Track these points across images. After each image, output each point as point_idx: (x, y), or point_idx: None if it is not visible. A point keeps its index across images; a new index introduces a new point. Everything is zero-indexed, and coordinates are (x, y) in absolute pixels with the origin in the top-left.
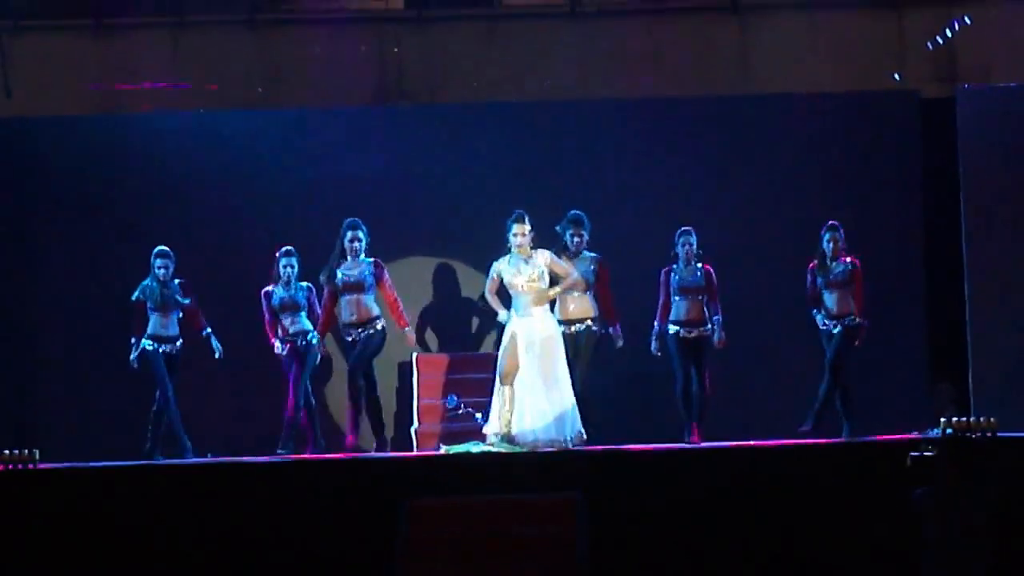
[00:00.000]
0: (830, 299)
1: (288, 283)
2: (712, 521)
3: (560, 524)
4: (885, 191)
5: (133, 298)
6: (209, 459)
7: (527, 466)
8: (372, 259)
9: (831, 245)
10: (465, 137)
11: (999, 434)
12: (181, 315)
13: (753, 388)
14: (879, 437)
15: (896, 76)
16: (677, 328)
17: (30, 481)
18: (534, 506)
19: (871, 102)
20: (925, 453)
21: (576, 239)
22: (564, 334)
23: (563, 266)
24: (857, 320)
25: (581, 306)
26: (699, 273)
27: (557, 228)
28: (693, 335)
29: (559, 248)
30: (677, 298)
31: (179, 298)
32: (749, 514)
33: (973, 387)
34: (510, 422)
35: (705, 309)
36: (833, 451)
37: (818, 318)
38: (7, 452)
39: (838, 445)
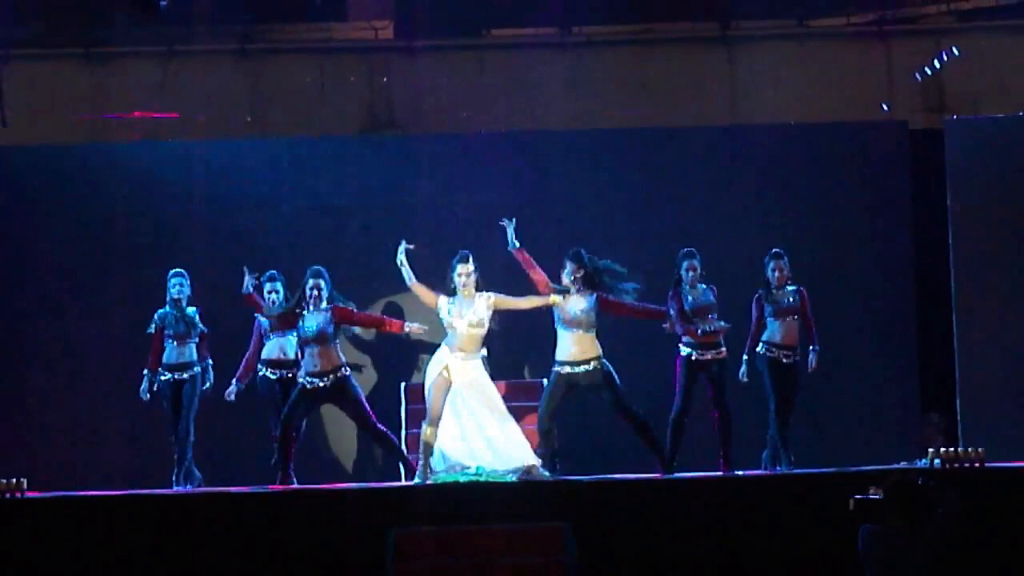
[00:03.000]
0: (777, 329)
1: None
2: (700, 552)
3: (547, 553)
4: (874, 221)
5: (150, 330)
6: (195, 490)
7: (514, 495)
8: (329, 306)
9: (776, 273)
10: (454, 168)
11: (987, 464)
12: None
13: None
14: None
15: (885, 107)
16: (689, 351)
17: (17, 510)
18: (521, 535)
19: (859, 132)
20: (870, 495)
21: (576, 275)
22: (565, 375)
23: (513, 299)
24: (815, 347)
25: (581, 347)
26: (711, 295)
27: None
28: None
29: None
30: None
31: (198, 322)
32: (739, 545)
33: (961, 417)
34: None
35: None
36: (821, 481)
37: (759, 350)
38: None
39: (827, 476)
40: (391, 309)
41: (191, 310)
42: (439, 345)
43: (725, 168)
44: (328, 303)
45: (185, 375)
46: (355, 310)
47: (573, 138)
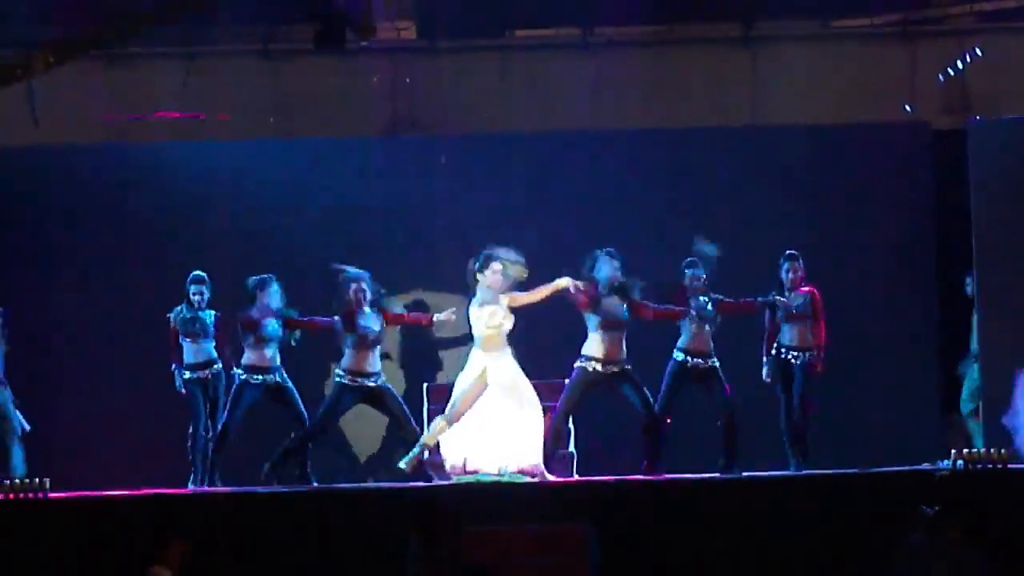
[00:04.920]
0: (790, 332)
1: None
2: (723, 553)
3: (570, 554)
4: (896, 224)
5: (171, 322)
6: (214, 488)
7: (537, 496)
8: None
9: (790, 275)
10: (478, 169)
11: (1010, 466)
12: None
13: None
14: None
15: (907, 108)
16: (684, 357)
17: (40, 510)
18: (544, 536)
19: (882, 134)
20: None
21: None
22: (592, 371)
23: (523, 294)
24: (820, 353)
25: (612, 347)
26: (712, 305)
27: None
28: (702, 366)
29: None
30: (690, 325)
31: (209, 327)
32: (761, 547)
33: (985, 418)
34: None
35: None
36: (843, 483)
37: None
38: (16, 480)
39: (849, 477)
40: (415, 308)
41: (207, 313)
42: (458, 344)
43: (746, 169)
44: (372, 305)
45: (202, 374)
46: (397, 311)
47: (595, 139)
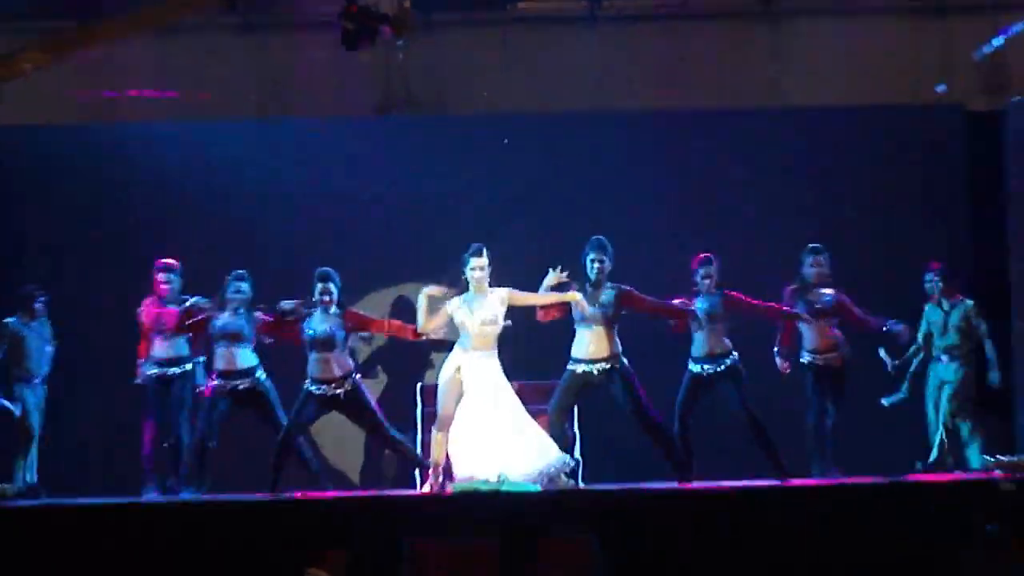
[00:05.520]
0: (810, 331)
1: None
2: (732, 565)
3: (575, 567)
4: (928, 211)
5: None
6: (199, 496)
7: (538, 505)
8: (340, 311)
9: (814, 270)
10: (476, 151)
11: None
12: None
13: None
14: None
15: (941, 88)
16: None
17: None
18: (546, 548)
19: (913, 116)
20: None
21: (596, 266)
22: (581, 373)
23: (528, 294)
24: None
25: (599, 344)
26: (717, 299)
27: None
28: (713, 370)
29: (581, 280)
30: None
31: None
32: (777, 557)
33: (1020, 422)
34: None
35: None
36: (872, 492)
37: (803, 359)
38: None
39: (878, 486)
40: (407, 304)
41: (180, 298)
42: (454, 344)
43: (766, 153)
44: (339, 307)
45: (172, 371)
46: (365, 314)
47: (603, 120)
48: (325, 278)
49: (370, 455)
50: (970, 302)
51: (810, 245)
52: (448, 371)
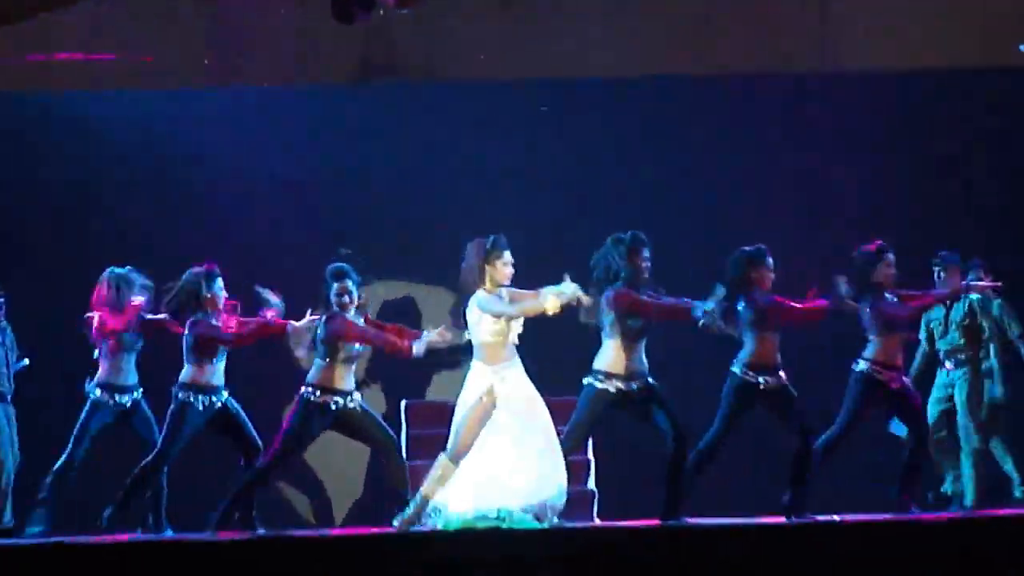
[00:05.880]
0: (881, 343)
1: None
2: None
3: None
4: (1002, 191)
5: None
6: (168, 537)
7: (542, 544)
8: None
9: (885, 270)
10: (469, 124)
11: None
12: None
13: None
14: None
15: (1022, 48)
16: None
17: None
18: None
19: (984, 81)
20: None
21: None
22: (609, 392)
23: (523, 295)
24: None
25: (629, 358)
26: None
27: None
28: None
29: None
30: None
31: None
32: None
33: None
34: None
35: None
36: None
37: (861, 368)
38: None
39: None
40: (397, 308)
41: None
42: (454, 352)
43: (808, 127)
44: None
45: (123, 399)
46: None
47: (617, 88)
48: (341, 275)
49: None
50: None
51: (877, 243)
52: (474, 394)
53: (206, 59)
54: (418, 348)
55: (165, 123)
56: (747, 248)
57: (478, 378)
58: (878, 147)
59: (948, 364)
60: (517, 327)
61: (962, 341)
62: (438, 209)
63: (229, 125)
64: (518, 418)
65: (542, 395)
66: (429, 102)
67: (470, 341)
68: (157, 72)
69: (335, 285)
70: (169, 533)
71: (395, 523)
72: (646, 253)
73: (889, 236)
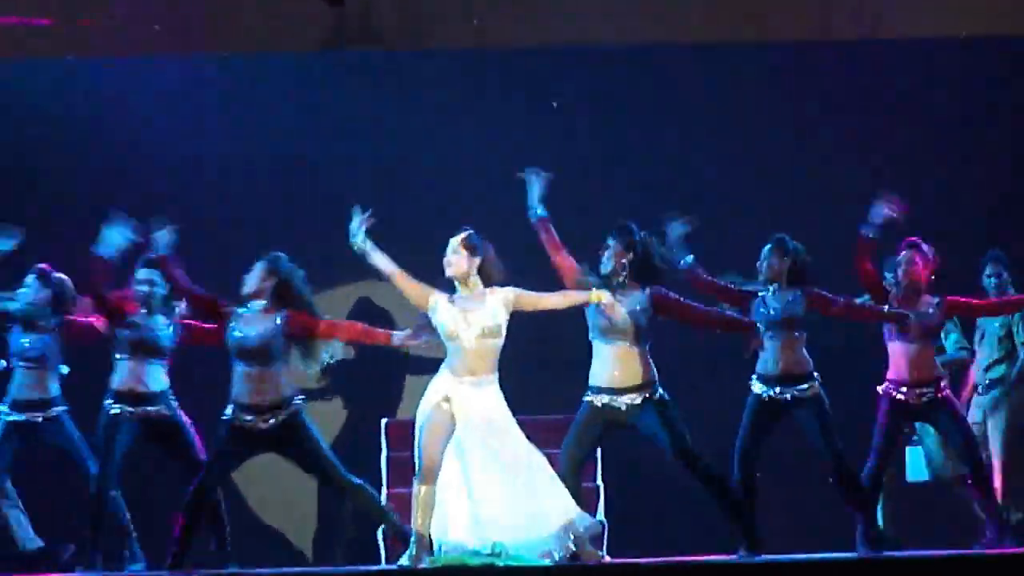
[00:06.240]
0: (905, 356)
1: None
2: None
3: None
4: None
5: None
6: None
7: None
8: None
9: (910, 268)
10: (454, 96)
11: None
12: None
13: None
14: None
15: None
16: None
17: None
18: None
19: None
20: None
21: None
22: (608, 407)
23: (539, 296)
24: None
25: (629, 368)
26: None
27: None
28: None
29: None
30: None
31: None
32: None
33: None
34: (430, 538)
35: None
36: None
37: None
38: None
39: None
40: (368, 305)
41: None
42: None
43: (837, 100)
44: (281, 305)
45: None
46: (317, 314)
47: (624, 56)
48: (274, 263)
49: (325, 516)
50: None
51: (907, 239)
52: (431, 402)
53: (157, 25)
54: (398, 339)
55: (112, 97)
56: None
57: (437, 385)
58: (912, 123)
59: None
60: (465, 331)
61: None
62: (419, 196)
63: (184, 99)
64: (485, 439)
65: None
66: (411, 74)
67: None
68: (101, 39)
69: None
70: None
71: (404, 562)
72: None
73: (936, 209)
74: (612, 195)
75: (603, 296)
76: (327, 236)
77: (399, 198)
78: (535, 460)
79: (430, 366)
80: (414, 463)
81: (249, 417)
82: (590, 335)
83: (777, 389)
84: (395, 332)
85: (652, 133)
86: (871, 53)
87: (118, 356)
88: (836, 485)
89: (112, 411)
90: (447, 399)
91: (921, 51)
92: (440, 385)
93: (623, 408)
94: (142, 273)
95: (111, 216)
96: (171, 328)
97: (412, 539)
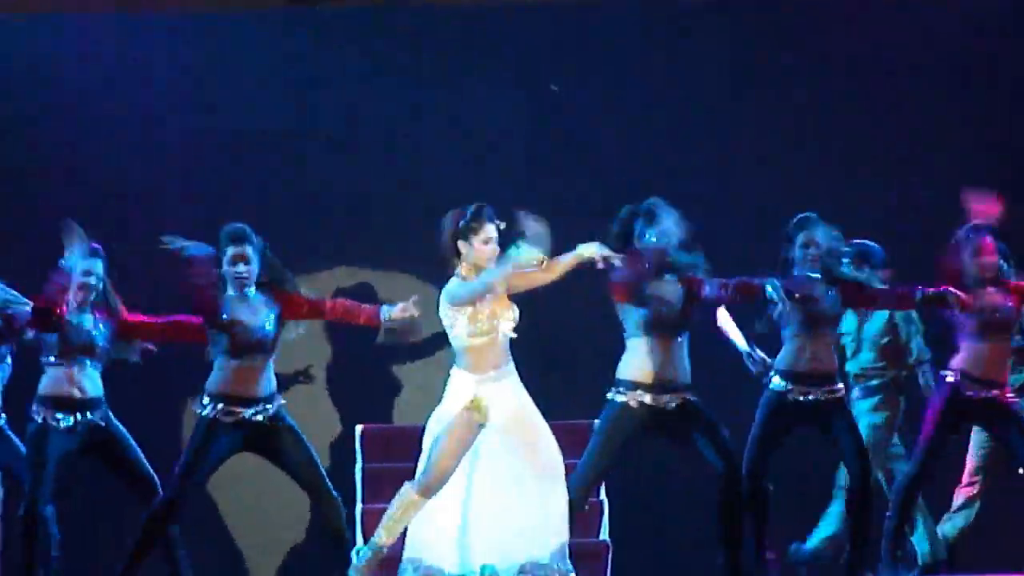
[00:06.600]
0: (977, 352)
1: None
2: None
3: None
4: None
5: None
6: None
7: None
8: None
9: (982, 260)
10: (447, 60)
11: None
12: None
13: None
14: None
15: None
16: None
17: None
18: None
19: None
20: None
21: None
22: (647, 406)
23: (528, 272)
24: None
25: (670, 362)
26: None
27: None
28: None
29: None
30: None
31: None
32: None
33: None
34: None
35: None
36: None
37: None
38: None
39: None
40: (355, 293)
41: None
42: (415, 356)
43: (865, 54)
44: (263, 285)
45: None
46: (306, 295)
47: (615, 10)
48: (239, 239)
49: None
50: None
51: (973, 222)
52: (453, 407)
53: None
54: (388, 314)
55: (42, 58)
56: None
57: (458, 392)
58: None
59: None
60: (508, 322)
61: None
62: (405, 173)
63: (126, 62)
64: (509, 446)
65: (546, 419)
66: (392, 32)
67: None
68: None
69: (230, 250)
70: None
71: (351, 574)
72: None
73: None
74: (607, 153)
75: (593, 250)
76: (295, 212)
77: (376, 170)
78: (556, 464)
79: (410, 364)
80: (414, 471)
81: (238, 410)
82: (626, 326)
83: (804, 388)
84: (384, 306)
85: (660, 95)
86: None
87: (50, 359)
88: (856, 502)
89: (41, 420)
90: (477, 404)
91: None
92: (463, 388)
93: (664, 408)
94: (83, 264)
95: (68, 228)
96: (105, 326)
97: (369, 546)
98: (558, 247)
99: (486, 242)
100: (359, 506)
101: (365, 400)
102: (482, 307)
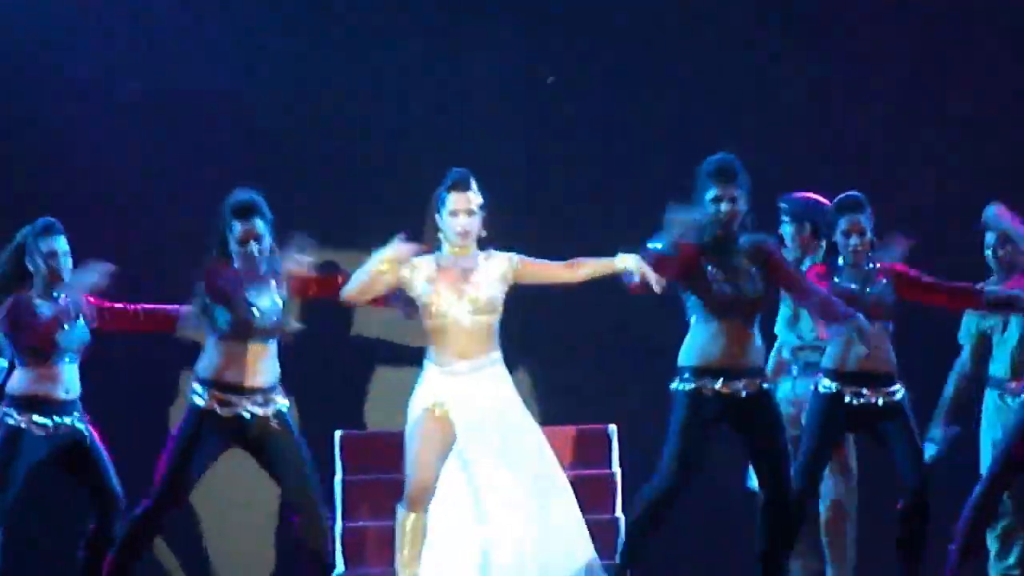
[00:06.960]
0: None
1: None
2: None
3: None
4: None
5: None
6: None
7: None
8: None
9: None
10: (450, 26)
11: None
12: None
13: None
14: None
15: None
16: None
17: None
18: None
19: None
20: None
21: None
22: (722, 394)
23: (548, 264)
24: None
25: (742, 348)
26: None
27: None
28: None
29: None
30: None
31: None
32: None
33: None
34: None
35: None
36: None
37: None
38: None
39: None
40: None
41: None
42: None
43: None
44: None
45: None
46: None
47: None
48: (247, 212)
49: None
50: None
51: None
52: (421, 404)
53: None
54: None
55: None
56: None
57: (426, 384)
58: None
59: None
60: (465, 306)
61: None
62: (396, 144)
63: (98, 35)
64: (493, 452)
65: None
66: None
67: None
68: None
69: (238, 226)
70: None
71: None
72: None
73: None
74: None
75: (633, 263)
76: (282, 189)
77: (366, 142)
78: (552, 476)
79: (398, 363)
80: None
81: (239, 399)
82: (692, 311)
83: (863, 391)
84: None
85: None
86: None
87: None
88: (909, 516)
89: (11, 422)
90: (437, 404)
91: None
92: (428, 383)
93: (741, 395)
94: (58, 242)
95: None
96: (83, 319)
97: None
98: (562, 233)
99: (453, 214)
100: (339, 523)
101: (344, 402)
102: (429, 287)
